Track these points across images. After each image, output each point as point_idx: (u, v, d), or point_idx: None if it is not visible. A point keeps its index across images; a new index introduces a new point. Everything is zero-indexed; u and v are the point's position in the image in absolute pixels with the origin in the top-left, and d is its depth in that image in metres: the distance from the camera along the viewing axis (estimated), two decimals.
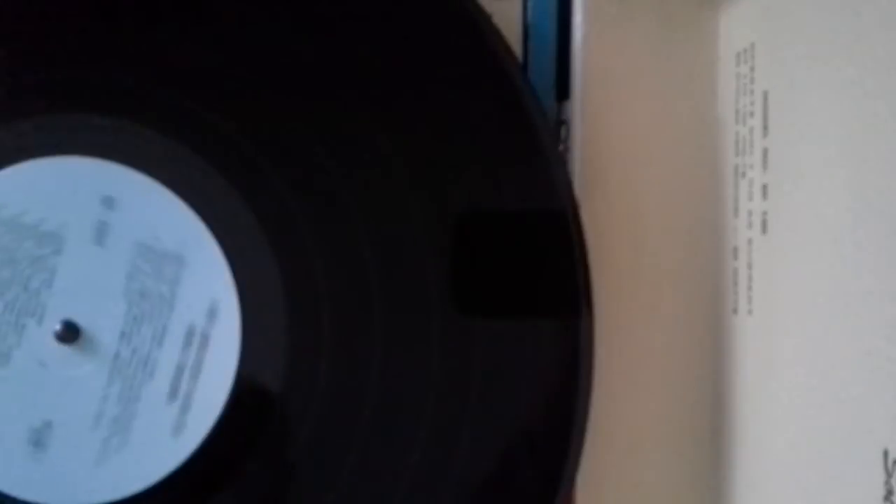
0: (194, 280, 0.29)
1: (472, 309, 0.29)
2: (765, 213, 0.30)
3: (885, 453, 0.24)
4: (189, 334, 0.29)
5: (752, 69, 0.31)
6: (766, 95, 0.30)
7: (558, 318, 0.30)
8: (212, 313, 0.29)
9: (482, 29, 0.29)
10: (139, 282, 0.29)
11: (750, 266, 0.31)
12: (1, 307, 0.28)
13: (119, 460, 0.29)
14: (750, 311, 0.31)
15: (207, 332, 0.29)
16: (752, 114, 0.31)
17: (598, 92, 0.31)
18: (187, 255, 0.29)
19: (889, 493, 0.23)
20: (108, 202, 0.29)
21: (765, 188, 0.30)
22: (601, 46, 0.31)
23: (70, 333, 0.28)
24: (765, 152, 0.30)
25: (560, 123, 0.32)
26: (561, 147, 0.32)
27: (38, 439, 0.29)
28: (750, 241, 0.31)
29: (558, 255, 0.30)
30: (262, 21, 0.29)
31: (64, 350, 0.29)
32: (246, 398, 0.29)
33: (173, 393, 0.29)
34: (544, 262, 0.30)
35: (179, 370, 0.29)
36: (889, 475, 0.23)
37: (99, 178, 0.29)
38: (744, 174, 0.31)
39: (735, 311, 0.31)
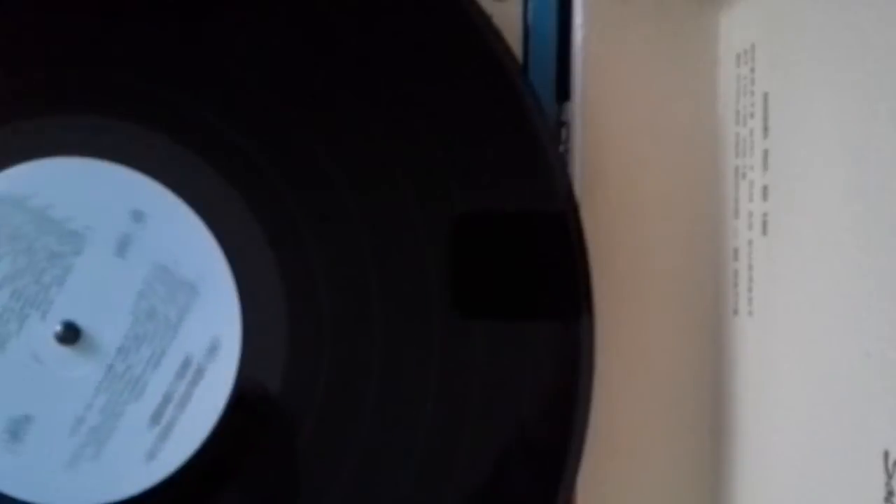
0: (203, 313, 0.29)
1: (472, 310, 0.29)
2: (765, 215, 0.30)
3: (886, 454, 0.23)
4: (185, 364, 0.29)
5: (752, 70, 0.31)
6: (766, 97, 0.30)
7: (558, 320, 0.30)
8: (212, 349, 0.29)
9: (482, 30, 0.29)
10: (149, 302, 0.29)
11: (750, 267, 0.31)
12: (9, 293, 0.28)
13: (88, 470, 0.28)
14: (750, 312, 0.31)
15: (203, 367, 0.29)
16: (752, 115, 0.31)
17: (598, 93, 0.31)
18: (202, 287, 0.29)
19: (889, 494, 0.23)
20: (138, 216, 0.29)
21: (765, 189, 0.30)
22: (601, 47, 0.31)
23: (70, 334, 0.28)
24: (765, 153, 0.30)
25: (560, 124, 0.32)
26: (561, 148, 0.32)
27: (16, 430, 0.28)
28: (750, 243, 0.31)
29: (558, 256, 0.29)
30: (263, 22, 0.29)
31: (60, 350, 0.29)
32: (227, 438, 0.29)
33: (156, 418, 0.29)
34: (544, 264, 0.30)
35: (167, 398, 0.29)
36: (889, 476, 0.23)
37: (134, 191, 0.29)
38: (744, 175, 0.31)
39: (735, 312, 0.31)
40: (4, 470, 0.28)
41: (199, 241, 0.29)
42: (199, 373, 0.29)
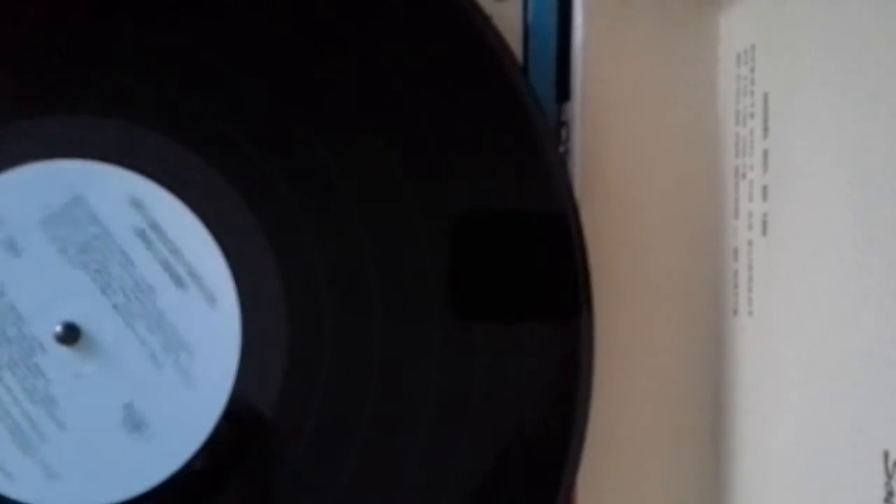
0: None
1: (471, 311, 0.29)
2: (765, 215, 0.30)
3: (886, 454, 0.23)
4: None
5: (752, 70, 0.31)
6: (766, 97, 0.30)
7: (558, 320, 0.30)
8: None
9: (482, 30, 0.29)
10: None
11: (750, 267, 0.31)
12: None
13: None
14: (750, 312, 0.31)
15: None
16: (752, 115, 0.31)
17: (598, 93, 0.31)
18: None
19: (889, 495, 0.23)
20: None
21: (765, 189, 0.30)
22: (601, 47, 0.31)
23: (70, 334, 0.28)
24: (765, 153, 0.30)
25: (560, 125, 0.32)
26: (561, 148, 0.32)
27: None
28: (750, 243, 0.31)
29: (558, 256, 0.29)
30: (263, 23, 0.29)
31: (60, 350, 0.29)
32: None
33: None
34: (544, 264, 0.30)
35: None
36: (889, 476, 0.23)
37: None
38: (744, 175, 0.31)
39: (735, 312, 0.31)
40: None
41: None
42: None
